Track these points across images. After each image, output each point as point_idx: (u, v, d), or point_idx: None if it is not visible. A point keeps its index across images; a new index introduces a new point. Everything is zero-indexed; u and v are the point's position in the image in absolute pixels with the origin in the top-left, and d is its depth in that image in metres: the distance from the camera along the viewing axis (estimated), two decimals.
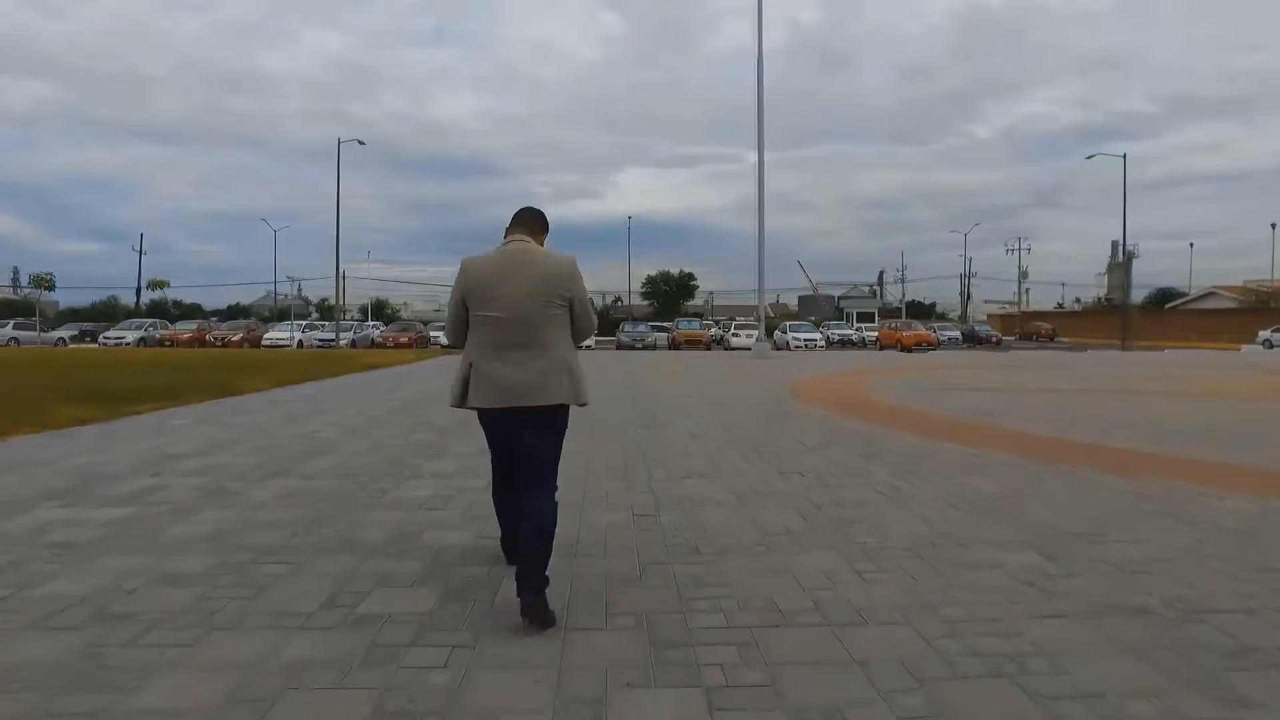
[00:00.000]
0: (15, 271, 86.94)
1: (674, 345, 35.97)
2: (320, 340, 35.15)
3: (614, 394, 11.84)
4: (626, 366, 19.83)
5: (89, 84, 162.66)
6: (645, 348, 34.68)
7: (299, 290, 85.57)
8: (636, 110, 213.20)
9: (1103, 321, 59.71)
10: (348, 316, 71.21)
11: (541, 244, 3.04)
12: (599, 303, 78.32)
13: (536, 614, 2.72)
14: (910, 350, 33.67)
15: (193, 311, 62.08)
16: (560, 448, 2.96)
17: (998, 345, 44.55)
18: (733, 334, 36.34)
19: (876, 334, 41.05)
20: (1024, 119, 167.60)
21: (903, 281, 76.55)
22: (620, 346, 35.39)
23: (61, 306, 67.30)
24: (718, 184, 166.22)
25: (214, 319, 52.27)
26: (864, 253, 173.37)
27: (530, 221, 3.03)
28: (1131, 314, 40.32)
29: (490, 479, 3.26)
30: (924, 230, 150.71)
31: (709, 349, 34.97)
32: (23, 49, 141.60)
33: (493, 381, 2.79)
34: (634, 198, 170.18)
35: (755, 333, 29.64)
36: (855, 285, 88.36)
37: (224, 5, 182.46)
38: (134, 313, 56.28)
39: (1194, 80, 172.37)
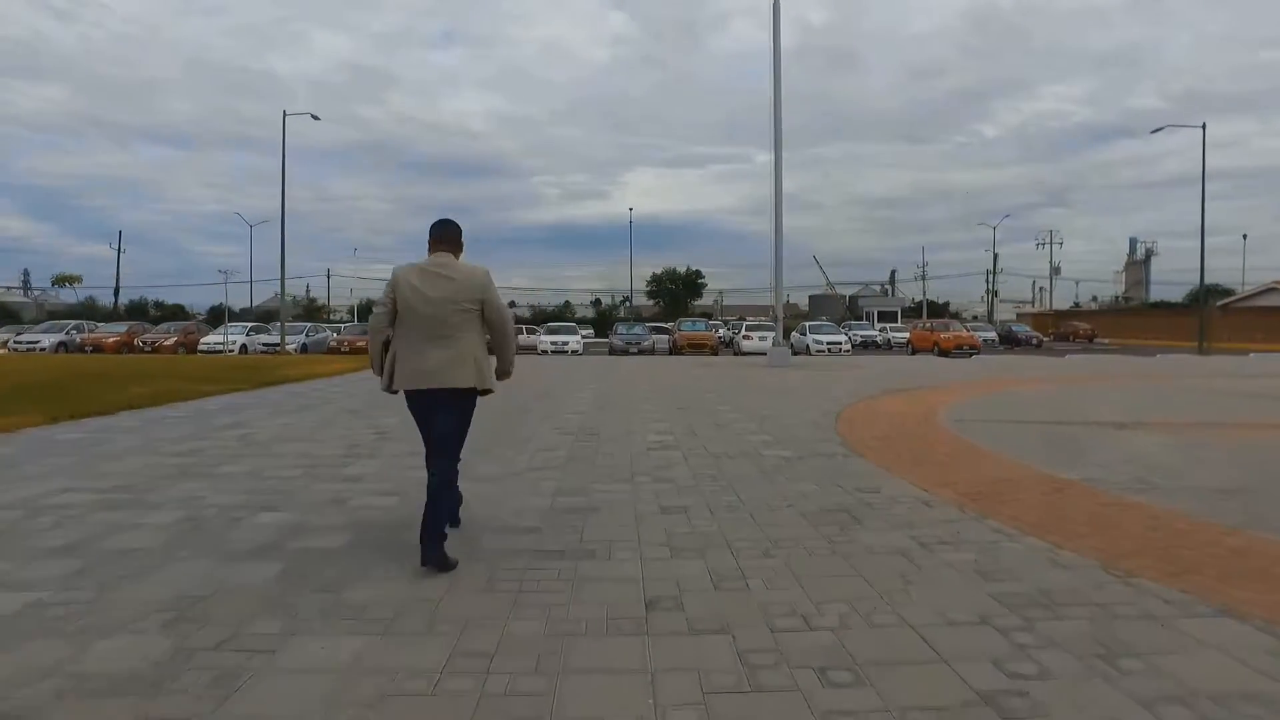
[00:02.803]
0: (25, 274, 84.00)
1: (675, 349, 30.84)
2: (265, 345, 30.63)
3: (557, 441, 7.38)
4: (605, 382, 15.15)
5: (100, 88, 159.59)
6: (641, 352, 29.64)
7: (307, 290, 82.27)
8: (645, 111, 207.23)
9: (1138, 320, 56.07)
10: (336, 317, 67.33)
11: (458, 254, 3.70)
12: (605, 302, 74.36)
13: (435, 560, 3.35)
14: (949, 354, 29.08)
15: (174, 313, 58.73)
16: (466, 425, 3.68)
17: (1038, 347, 40.08)
18: (744, 336, 31.25)
19: (907, 335, 36.46)
20: (1034, 117, 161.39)
21: (923, 279, 72.08)
22: (613, 351, 30.40)
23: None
24: (727, 184, 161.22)
25: (202, 320, 48.74)
26: (872, 252, 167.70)
27: (446, 236, 3.67)
28: (1211, 314, 35.49)
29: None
30: (933, 230, 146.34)
31: (716, 354, 29.95)
32: (37, 53, 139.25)
33: (413, 368, 3.51)
34: (642, 198, 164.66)
35: (770, 335, 25.16)
36: (867, 284, 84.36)
37: (235, 8, 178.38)
38: (112, 314, 54.30)
39: (1207, 76, 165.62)
